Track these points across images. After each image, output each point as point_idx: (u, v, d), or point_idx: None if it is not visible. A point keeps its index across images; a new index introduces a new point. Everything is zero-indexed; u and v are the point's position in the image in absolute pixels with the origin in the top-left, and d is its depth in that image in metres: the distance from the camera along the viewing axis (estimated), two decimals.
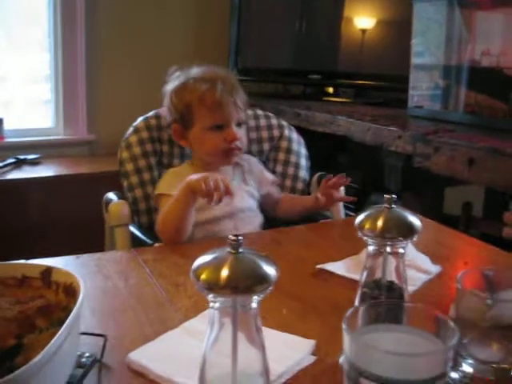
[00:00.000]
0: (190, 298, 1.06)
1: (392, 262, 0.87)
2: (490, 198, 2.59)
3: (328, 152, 2.87)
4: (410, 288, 0.96)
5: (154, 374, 0.81)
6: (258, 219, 1.64)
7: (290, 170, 1.81)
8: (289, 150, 1.83)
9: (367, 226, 0.85)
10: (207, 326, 0.67)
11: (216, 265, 0.64)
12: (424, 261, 1.25)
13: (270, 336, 0.77)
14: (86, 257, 1.27)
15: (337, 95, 3.18)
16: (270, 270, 0.65)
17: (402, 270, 0.87)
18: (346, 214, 1.80)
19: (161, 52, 3.26)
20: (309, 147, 1.88)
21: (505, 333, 0.78)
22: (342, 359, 0.66)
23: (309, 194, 1.80)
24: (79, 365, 0.80)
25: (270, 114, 1.88)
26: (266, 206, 1.70)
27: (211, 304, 0.65)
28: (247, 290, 0.63)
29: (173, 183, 1.49)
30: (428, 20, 2.37)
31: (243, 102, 1.59)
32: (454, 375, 0.78)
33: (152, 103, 1.74)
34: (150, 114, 1.72)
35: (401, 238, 0.85)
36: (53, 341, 0.65)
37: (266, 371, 0.67)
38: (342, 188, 1.67)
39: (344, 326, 0.64)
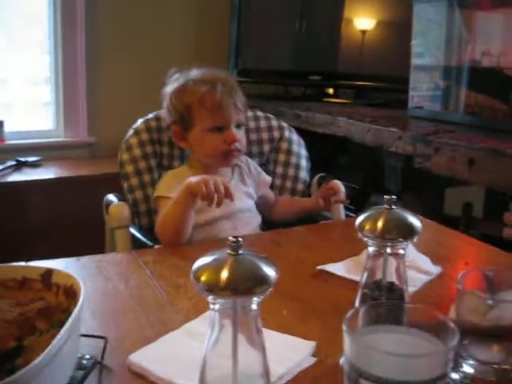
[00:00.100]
0: (191, 300, 1.06)
1: (392, 263, 0.86)
2: (490, 198, 2.59)
3: (328, 153, 2.87)
4: (411, 289, 0.96)
5: (154, 376, 0.81)
6: (256, 220, 1.65)
7: (291, 172, 1.81)
8: (289, 152, 1.83)
9: (367, 226, 0.85)
10: (208, 327, 0.67)
11: (216, 266, 0.64)
12: (424, 261, 1.25)
13: (271, 337, 0.77)
14: (86, 259, 1.27)
15: (337, 96, 3.18)
16: (270, 272, 0.64)
17: (403, 271, 0.87)
18: (347, 215, 1.79)
19: (161, 53, 3.26)
20: (309, 148, 1.88)
21: (506, 333, 0.78)
22: (342, 360, 0.66)
23: (309, 195, 1.80)
24: (80, 367, 0.80)
25: (270, 115, 1.88)
26: (261, 208, 1.70)
27: (211, 306, 0.65)
28: (247, 291, 0.63)
29: (171, 185, 1.49)
30: (428, 21, 2.37)
31: (243, 104, 1.59)
32: (455, 376, 0.78)
33: (152, 105, 1.74)
34: (150, 115, 1.72)
35: (401, 239, 0.85)
36: (53, 343, 0.65)
37: (266, 372, 0.67)
38: (343, 189, 1.67)
39: (344, 327, 0.64)
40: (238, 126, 1.59)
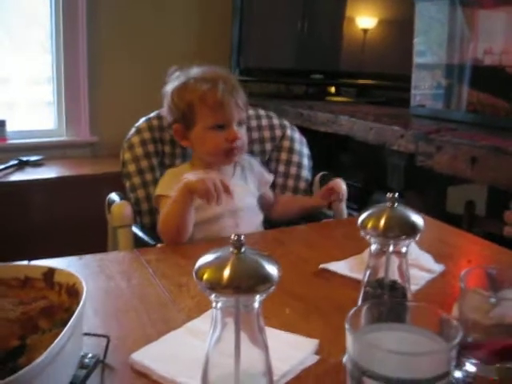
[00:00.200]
0: (193, 299, 1.06)
1: (395, 261, 0.86)
2: (492, 196, 2.59)
3: (330, 151, 2.87)
4: (413, 287, 0.96)
5: (156, 375, 0.81)
6: (258, 218, 1.65)
7: (293, 170, 1.81)
8: (291, 150, 1.83)
9: (370, 225, 0.85)
10: (210, 326, 0.67)
11: (218, 264, 0.64)
12: (427, 260, 1.25)
13: (273, 336, 0.77)
14: (88, 257, 1.27)
15: (339, 95, 3.18)
16: (273, 270, 0.64)
17: (405, 269, 0.87)
18: (349, 214, 1.79)
19: (163, 53, 3.26)
20: (311, 147, 1.88)
21: (508, 331, 0.78)
22: (345, 358, 0.66)
23: (311, 193, 1.80)
24: (82, 365, 0.80)
25: (271, 113, 1.88)
26: (260, 207, 1.70)
27: (214, 304, 0.65)
28: (249, 289, 0.63)
29: (172, 184, 1.49)
30: (430, 19, 2.36)
31: (244, 102, 1.59)
32: (458, 374, 0.78)
33: (154, 104, 1.74)
34: (152, 114, 1.72)
35: (403, 237, 0.84)
36: (56, 341, 0.65)
37: (269, 371, 0.67)
38: (344, 187, 1.67)
39: (347, 326, 0.64)
40: (240, 124, 1.59)
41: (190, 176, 1.39)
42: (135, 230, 1.59)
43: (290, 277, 1.10)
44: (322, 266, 1.22)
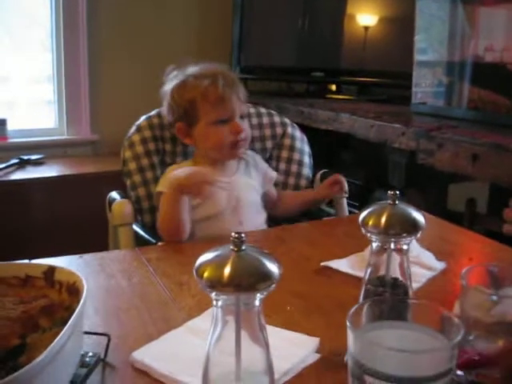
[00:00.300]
0: (194, 297, 1.06)
1: (396, 259, 0.86)
2: (494, 194, 2.58)
3: (331, 149, 2.87)
4: (415, 285, 0.96)
5: (157, 373, 0.81)
6: (262, 216, 1.64)
7: (294, 168, 1.81)
8: (292, 148, 1.82)
9: (371, 222, 0.84)
10: (210, 324, 0.66)
11: (219, 262, 0.64)
12: (428, 257, 1.25)
13: (274, 334, 0.77)
14: (89, 256, 1.27)
15: (340, 92, 3.18)
16: (273, 268, 0.64)
17: (406, 267, 0.87)
18: (350, 211, 1.79)
19: (163, 51, 3.25)
20: (312, 145, 1.88)
21: (510, 329, 0.78)
22: (346, 356, 0.66)
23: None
24: (83, 364, 0.80)
25: (272, 111, 1.88)
26: (264, 205, 1.69)
27: (214, 302, 0.65)
28: (250, 287, 0.63)
29: None
30: (431, 16, 2.36)
31: (244, 96, 1.60)
32: (459, 372, 0.78)
33: (155, 102, 1.73)
34: (153, 112, 1.72)
35: (405, 235, 0.84)
36: (56, 340, 0.65)
37: (269, 369, 0.67)
38: (345, 184, 1.68)
39: (348, 324, 0.63)
40: (242, 118, 1.59)
41: (177, 172, 1.40)
42: (136, 228, 1.59)
43: (291, 275, 1.10)
44: (323, 263, 1.22)
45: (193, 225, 1.52)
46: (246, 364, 0.65)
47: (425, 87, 2.41)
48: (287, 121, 1.87)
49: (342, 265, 1.22)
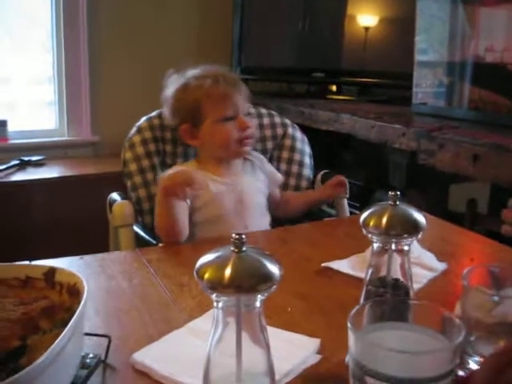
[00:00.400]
0: (195, 298, 1.06)
1: (397, 260, 0.86)
2: (494, 194, 2.58)
3: (332, 150, 2.87)
4: (416, 285, 0.96)
5: (158, 375, 0.81)
6: (266, 219, 1.64)
7: (294, 169, 1.81)
8: (292, 149, 1.82)
9: (372, 223, 0.84)
10: (211, 325, 0.66)
11: (219, 264, 0.64)
12: (429, 258, 1.24)
13: (275, 335, 0.77)
14: (89, 257, 1.27)
15: (340, 93, 3.18)
16: (274, 269, 0.64)
17: (407, 268, 0.86)
18: (351, 212, 1.79)
19: (163, 52, 3.26)
20: (313, 145, 1.88)
21: (511, 330, 0.78)
22: (347, 358, 0.66)
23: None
24: (83, 366, 0.80)
25: (273, 112, 1.88)
26: (268, 207, 1.69)
27: (215, 303, 0.65)
28: (251, 288, 0.63)
29: None
30: (431, 17, 2.36)
31: (246, 95, 1.60)
32: (461, 373, 0.77)
33: (155, 103, 1.73)
34: (153, 113, 1.72)
35: (406, 235, 0.84)
36: (56, 342, 0.65)
37: (270, 370, 0.67)
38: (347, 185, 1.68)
39: (349, 325, 0.63)
40: (246, 115, 1.59)
41: (165, 174, 1.40)
42: (136, 229, 1.59)
43: (292, 276, 1.10)
44: (324, 264, 1.22)
45: (196, 227, 1.51)
46: (247, 365, 0.65)
47: (425, 88, 2.41)
48: (288, 121, 1.87)
49: (342, 266, 1.21)
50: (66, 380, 0.72)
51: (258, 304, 0.65)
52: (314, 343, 0.89)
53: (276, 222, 1.69)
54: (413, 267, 0.89)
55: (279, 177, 1.74)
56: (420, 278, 1.14)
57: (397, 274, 0.86)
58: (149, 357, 0.84)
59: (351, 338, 0.63)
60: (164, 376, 0.80)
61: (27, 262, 0.92)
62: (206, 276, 0.63)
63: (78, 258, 1.26)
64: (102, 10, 3.19)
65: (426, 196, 2.28)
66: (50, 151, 3.15)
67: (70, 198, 2.81)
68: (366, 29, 2.93)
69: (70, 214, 2.78)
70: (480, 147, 1.81)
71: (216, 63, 1.64)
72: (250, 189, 1.59)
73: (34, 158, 3.03)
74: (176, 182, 1.37)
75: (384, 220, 0.83)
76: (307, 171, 1.82)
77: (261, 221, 1.61)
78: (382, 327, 0.67)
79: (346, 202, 1.76)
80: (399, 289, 0.86)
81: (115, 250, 1.56)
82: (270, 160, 1.82)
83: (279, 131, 1.83)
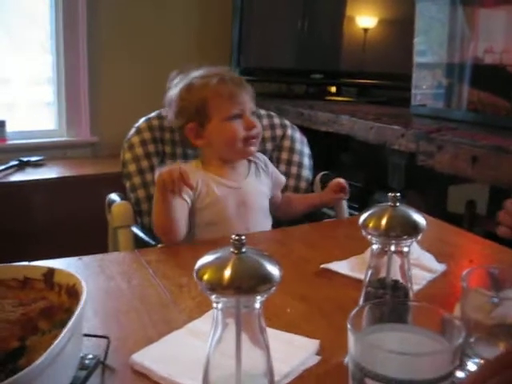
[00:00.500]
0: (194, 299, 1.06)
1: (396, 261, 0.86)
2: (493, 195, 2.58)
3: (331, 151, 2.87)
4: (415, 287, 0.96)
5: (157, 376, 0.81)
6: (269, 220, 1.63)
7: (293, 170, 1.80)
8: (292, 150, 1.82)
9: (371, 224, 0.84)
10: (211, 326, 0.66)
11: (219, 265, 0.64)
12: (429, 259, 1.24)
13: (274, 336, 0.77)
14: (88, 258, 1.26)
15: (339, 94, 3.18)
16: (274, 270, 0.64)
17: (407, 269, 0.86)
18: (350, 213, 1.79)
19: (163, 53, 3.26)
20: (312, 146, 1.88)
21: (511, 331, 0.78)
22: (346, 359, 0.66)
23: (312, 193, 1.80)
24: (82, 367, 0.80)
25: (272, 113, 1.88)
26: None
27: (214, 304, 0.65)
28: (250, 290, 0.63)
29: None
30: (430, 18, 2.36)
31: (252, 94, 1.60)
32: (460, 375, 0.77)
33: (154, 104, 1.73)
34: (153, 114, 1.71)
35: (405, 237, 0.84)
36: (55, 343, 0.64)
37: (270, 372, 0.67)
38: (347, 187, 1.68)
39: (349, 326, 0.63)
40: (252, 114, 1.59)
41: (162, 170, 1.40)
42: (135, 230, 1.59)
43: (292, 277, 1.09)
44: (323, 265, 1.22)
45: (197, 228, 1.51)
46: (247, 366, 0.65)
47: (424, 89, 2.41)
48: (287, 122, 1.86)
49: (342, 267, 1.21)
50: (65, 381, 0.72)
51: (257, 305, 0.65)
52: (313, 344, 0.89)
53: (275, 223, 1.69)
54: (412, 268, 0.89)
55: (282, 179, 1.73)
56: (419, 279, 1.14)
57: (396, 275, 0.86)
58: (148, 358, 0.84)
59: (351, 339, 0.63)
60: (163, 377, 0.80)
61: (26, 263, 0.92)
62: (206, 277, 0.63)
63: (76, 258, 1.26)
64: (101, 11, 3.19)
65: (425, 197, 2.28)
66: (48, 152, 3.15)
67: (69, 198, 2.81)
68: (365, 30, 2.93)
69: (69, 215, 2.78)
70: (479, 149, 1.81)
71: (215, 64, 1.64)
72: (253, 191, 1.58)
73: (33, 159, 3.03)
74: (171, 177, 1.36)
75: (384, 221, 0.83)
76: (306, 172, 1.82)
77: (263, 223, 1.60)
78: (381, 329, 0.67)
79: (345, 203, 1.76)
80: (399, 290, 0.86)
81: (114, 250, 1.56)
82: (270, 161, 1.81)
83: (278, 132, 1.83)
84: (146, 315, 1.01)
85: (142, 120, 1.70)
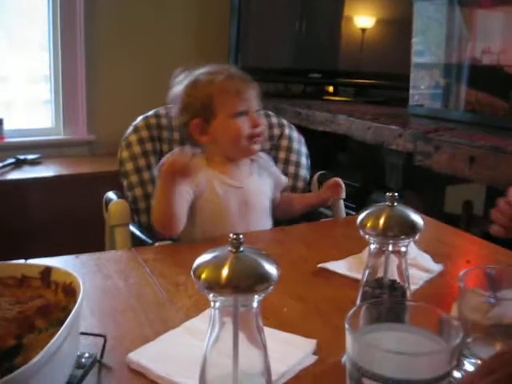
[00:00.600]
0: (191, 298, 1.06)
1: (394, 261, 0.86)
2: (490, 196, 2.59)
3: (328, 151, 2.87)
4: (412, 287, 0.96)
5: (154, 375, 0.81)
6: (270, 220, 1.63)
7: (291, 169, 1.80)
8: (289, 149, 1.82)
9: (369, 224, 0.84)
10: (208, 325, 0.66)
11: (216, 264, 0.63)
12: (425, 259, 1.24)
13: (272, 335, 0.77)
14: (85, 256, 1.26)
15: (337, 94, 3.18)
16: (271, 269, 0.64)
17: (404, 269, 0.86)
18: (347, 213, 1.79)
19: (161, 51, 3.25)
20: (309, 146, 1.88)
21: (507, 331, 0.78)
22: (344, 359, 0.66)
23: (309, 192, 1.80)
24: (79, 365, 0.80)
25: (270, 112, 1.87)
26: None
27: (212, 303, 0.65)
28: (248, 289, 0.63)
29: None
30: (428, 19, 2.36)
31: (257, 92, 1.59)
32: (457, 375, 0.77)
33: (152, 102, 1.73)
34: (150, 113, 1.71)
35: (403, 237, 0.84)
36: (52, 341, 0.64)
37: (267, 371, 0.67)
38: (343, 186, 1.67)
39: (346, 326, 0.63)
40: (257, 113, 1.59)
41: (169, 156, 1.40)
42: (132, 228, 1.59)
43: (289, 276, 1.09)
44: (320, 265, 1.22)
45: (197, 226, 1.50)
46: (244, 366, 0.65)
47: (422, 89, 2.42)
48: (285, 122, 1.86)
49: (339, 266, 1.21)
50: (62, 379, 0.72)
51: (255, 304, 0.65)
52: (310, 344, 0.89)
53: (273, 222, 1.69)
54: (409, 268, 0.89)
55: (284, 180, 1.72)
56: (416, 279, 1.14)
57: (394, 275, 0.86)
58: (145, 356, 0.84)
59: (348, 339, 0.63)
60: (160, 376, 0.80)
61: (23, 261, 0.92)
62: (203, 276, 0.63)
63: (73, 256, 1.26)
64: (99, 9, 3.19)
65: (422, 197, 2.29)
66: (46, 150, 3.14)
67: (66, 196, 2.80)
68: (363, 30, 2.94)
69: (66, 213, 2.77)
70: (476, 149, 1.81)
71: (214, 63, 1.64)
72: (255, 191, 1.58)
73: (30, 157, 3.03)
74: (180, 162, 1.36)
75: (381, 221, 0.83)
76: (304, 172, 1.82)
77: (264, 223, 1.60)
78: (378, 328, 0.67)
79: (342, 203, 1.76)
80: (396, 290, 0.86)
81: (111, 249, 1.55)
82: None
83: (276, 132, 1.83)
84: (143, 314, 1.00)
85: (139, 118, 1.70)
